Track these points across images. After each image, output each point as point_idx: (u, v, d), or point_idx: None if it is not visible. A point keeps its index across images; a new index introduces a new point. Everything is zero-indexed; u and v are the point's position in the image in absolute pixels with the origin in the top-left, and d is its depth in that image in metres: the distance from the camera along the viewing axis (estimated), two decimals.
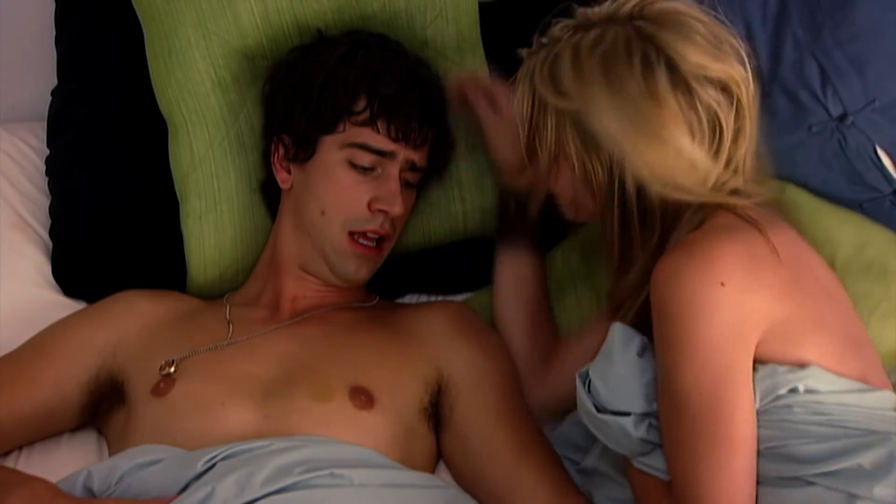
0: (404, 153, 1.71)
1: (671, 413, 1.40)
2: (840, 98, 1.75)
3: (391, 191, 1.70)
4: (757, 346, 1.40)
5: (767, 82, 1.76)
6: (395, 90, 1.70)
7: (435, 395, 1.65)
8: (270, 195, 1.81)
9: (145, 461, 1.45)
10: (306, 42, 1.81)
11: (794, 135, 1.77)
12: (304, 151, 1.72)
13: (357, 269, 1.72)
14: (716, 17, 1.48)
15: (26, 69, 2.14)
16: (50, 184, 1.98)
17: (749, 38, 1.75)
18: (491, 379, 1.66)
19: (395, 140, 1.70)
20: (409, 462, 1.56)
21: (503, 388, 1.63)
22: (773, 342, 1.40)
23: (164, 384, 1.58)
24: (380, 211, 1.70)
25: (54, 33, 2.06)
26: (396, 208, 1.69)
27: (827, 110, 1.75)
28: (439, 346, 1.68)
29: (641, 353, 1.45)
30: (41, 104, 2.04)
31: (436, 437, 1.65)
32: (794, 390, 1.39)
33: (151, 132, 1.90)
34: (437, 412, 1.65)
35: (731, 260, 1.39)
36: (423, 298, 1.94)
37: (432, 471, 1.66)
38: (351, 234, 1.70)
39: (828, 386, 1.40)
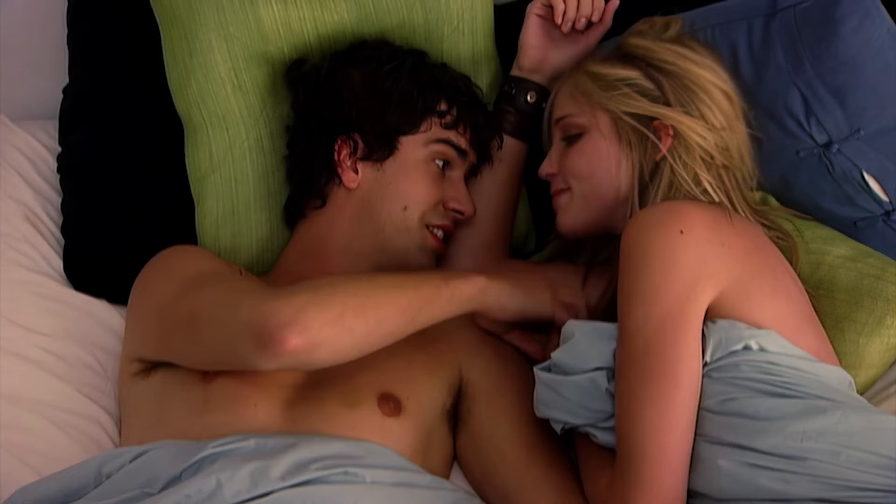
0: (471, 157, 1.79)
1: (622, 352, 1.47)
2: (824, 127, 1.76)
3: (463, 192, 1.78)
4: (716, 305, 1.46)
5: (754, 106, 1.76)
6: (470, 98, 1.79)
7: (455, 396, 1.68)
8: (303, 197, 1.79)
9: (156, 444, 1.47)
10: (341, 49, 1.83)
11: (783, 158, 1.80)
12: (382, 150, 1.74)
13: (430, 263, 1.77)
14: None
15: (39, 68, 2.15)
16: (62, 181, 1.99)
17: (735, 61, 1.81)
18: (508, 382, 1.68)
19: (471, 144, 1.78)
20: (428, 463, 1.58)
21: (518, 392, 1.66)
22: (732, 301, 1.47)
23: (213, 373, 1.56)
24: (453, 210, 1.76)
25: (66, 32, 2.06)
26: (471, 208, 1.78)
27: (812, 138, 1.77)
28: (461, 348, 1.70)
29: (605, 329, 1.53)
30: (53, 102, 2.06)
31: (453, 436, 1.68)
32: (747, 347, 1.45)
33: (163, 131, 1.92)
34: (455, 413, 1.68)
35: (693, 214, 1.49)
36: None
37: (449, 470, 1.68)
38: (427, 227, 1.75)
39: (782, 349, 1.45)
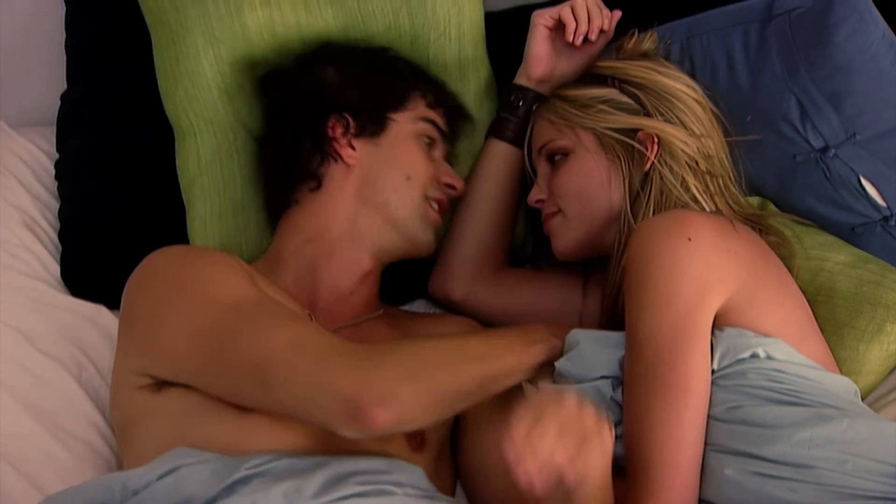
0: (445, 143, 1.83)
1: (630, 361, 1.46)
2: (820, 132, 1.77)
3: (451, 169, 1.81)
4: (723, 312, 1.46)
5: (749, 111, 1.79)
6: (441, 84, 1.85)
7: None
8: (294, 182, 1.76)
9: (185, 461, 1.43)
10: (308, 51, 1.84)
11: (780, 162, 1.80)
12: (374, 126, 1.74)
13: (432, 238, 1.78)
14: None
15: (38, 74, 2.15)
16: (59, 187, 1.99)
17: (730, 67, 1.82)
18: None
19: (447, 127, 1.82)
20: (439, 486, 1.57)
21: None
22: (738, 308, 1.47)
23: None
24: (446, 185, 1.78)
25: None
26: (462, 183, 1.80)
27: (808, 142, 1.78)
28: None
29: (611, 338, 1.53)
30: (53, 108, 2.06)
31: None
32: (755, 355, 1.45)
33: (160, 136, 1.92)
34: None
35: (701, 222, 1.49)
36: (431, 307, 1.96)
37: (454, 490, 1.69)
38: (427, 199, 1.76)
39: (789, 357, 1.46)
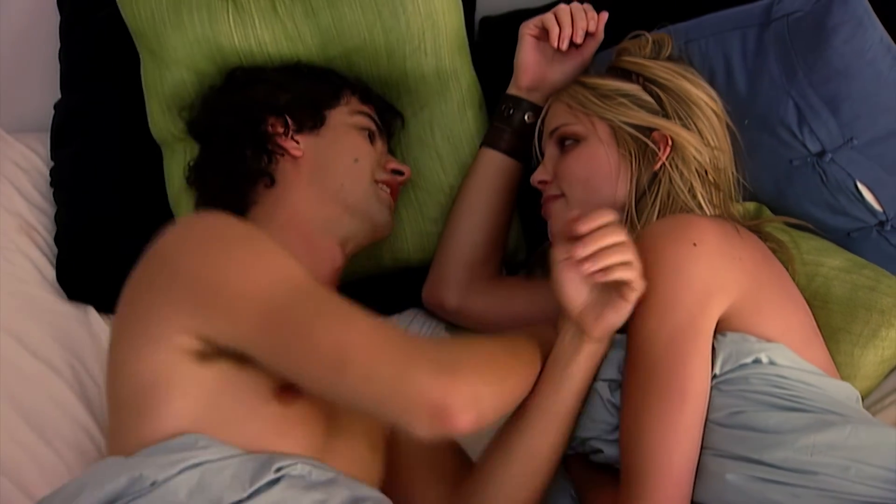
0: (384, 138, 1.84)
1: (630, 365, 1.45)
2: (817, 136, 1.77)
3: (394, 158, 1.83)
4: (727, 318, 1.45)
5: (746, 115, 1.78)
6: (366, 84, 1.88)
7: None
8: (250, 183, 1.74)
9: (215, 456, 1.37)
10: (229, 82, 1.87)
11: (777, 167, 1.80)
12: (312, 121, 1.76)
13: (390, 218, 1.79)
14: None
15: (35, 79, 2.16)
16: (55, 194, 2.00)
17: (728, 71, 1.82)
18: None
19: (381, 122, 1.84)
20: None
21: None
22: (742, 314, 1.46)
23: (291, 394, 1.44)
24: (392, 171, 1.80)
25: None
26: (408, 168, 1.83)
27: (805, 147, 1.77)
28: None
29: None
30: (50, 114, 2.07)
31: None
32: (757, 361, 1.44)
33: (152, 144, 1.93)
34: None
35: (706, 227, 1.48)
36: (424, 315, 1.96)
37: None
38: (376, 182, 1.77)
39: (792, 363, 1.45)
